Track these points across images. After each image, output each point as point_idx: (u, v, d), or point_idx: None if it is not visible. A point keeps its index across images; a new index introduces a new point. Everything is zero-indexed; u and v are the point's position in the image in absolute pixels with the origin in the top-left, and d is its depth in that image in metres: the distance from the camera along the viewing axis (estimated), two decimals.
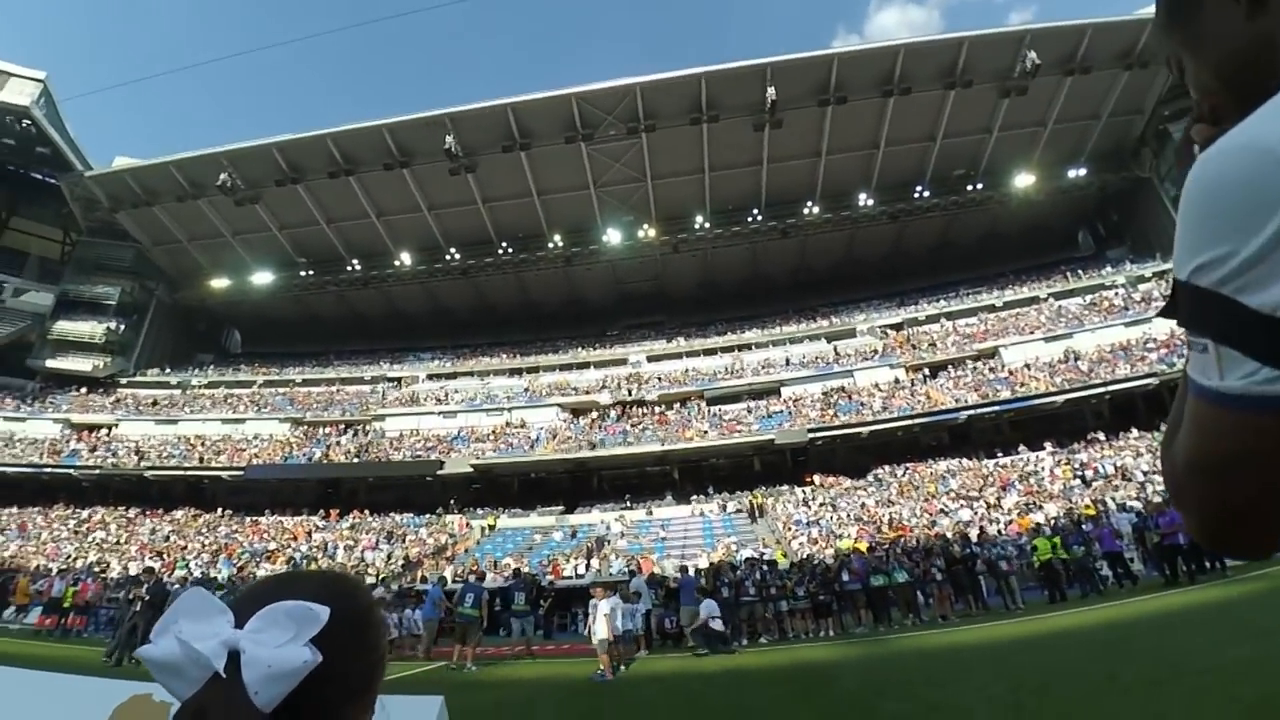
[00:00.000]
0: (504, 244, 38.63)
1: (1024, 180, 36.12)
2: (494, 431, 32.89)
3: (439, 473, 29.97)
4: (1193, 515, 0.53)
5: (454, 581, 20.85)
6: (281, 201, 36.55)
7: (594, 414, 33.46)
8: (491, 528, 27.96)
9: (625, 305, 43.23)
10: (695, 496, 29.04)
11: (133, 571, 21.89)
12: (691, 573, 16.74)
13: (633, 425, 31.79)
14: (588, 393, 35.11)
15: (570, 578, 21.00)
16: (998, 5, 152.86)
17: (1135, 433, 25.76)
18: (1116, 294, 33.69)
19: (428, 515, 29.43)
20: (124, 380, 38.98)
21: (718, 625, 12.58)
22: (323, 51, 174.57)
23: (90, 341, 38.36)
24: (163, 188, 36.03)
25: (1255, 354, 0.45)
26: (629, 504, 29.12)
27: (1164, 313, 0.54)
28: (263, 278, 40.26)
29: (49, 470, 31.28)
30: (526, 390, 36.55)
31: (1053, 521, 17.94)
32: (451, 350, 42.98)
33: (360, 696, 0.75)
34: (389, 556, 25.07)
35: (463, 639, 11.92)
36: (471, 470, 30.05)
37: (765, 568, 16.26)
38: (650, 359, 38.36)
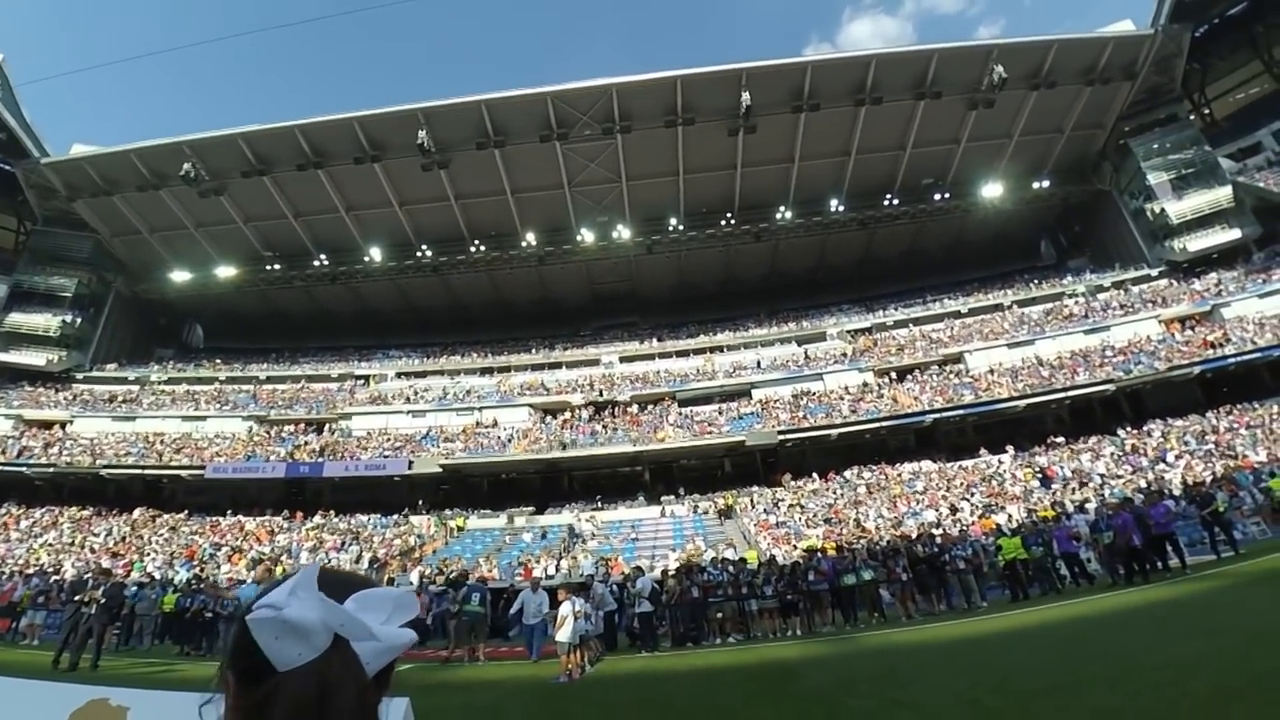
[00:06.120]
0: (476, 242, 38.31)
1: (990, 190, 37.00)
2: (464, 431, 32.58)
3: (407, 472, 29.57)
4: None
5: (422, 583, 20.62)
6: (247, 193, 35.74)
7: (566, 414, 33.36)
8: (460, 529, 27.68)
9: (598, 306, 43.20)
10: (666, 497, 29.11)
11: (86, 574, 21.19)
12: (656, 574, 16.87)
13: (604, 426, 31.76)
14: (559, 393, 34.97)
15: (540, 579, 20.87)
16: (968, 18, 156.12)
17: (1094, 437, 26.58)
18: (1076, 302, 34.71)
19: (395, 516, 29.04)
20: (80, 375, 37.67)
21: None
22: (292, 41, 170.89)
23: (44, 335, 36.93)
24: (123, 177, 34.97)
25: None
26: (600, 505, 29.07)
27: None
28: (227, 271, 39.32)
29: None
30: (498, 390, 36.28)
31: (1013, 523, 18.38)
32: (421, 348, 42.48)
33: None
34: (356, 558, 24.68)
35: (471, 635, 12.79)
36: (440, 470, 29.70)
37: (733, 567, 16.37)
38: (623, 360, 38.38)
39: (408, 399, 35.93)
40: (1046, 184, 37.50)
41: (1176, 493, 17.53)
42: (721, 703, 7.52)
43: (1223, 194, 32.62)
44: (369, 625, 0.72)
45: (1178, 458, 22.43)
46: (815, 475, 28.71)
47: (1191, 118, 35.82)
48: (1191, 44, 32.33)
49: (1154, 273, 34.51)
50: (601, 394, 34.14)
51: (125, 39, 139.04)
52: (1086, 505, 18.45)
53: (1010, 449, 27.20)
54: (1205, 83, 37.24)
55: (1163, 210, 33.57)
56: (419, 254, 38.72)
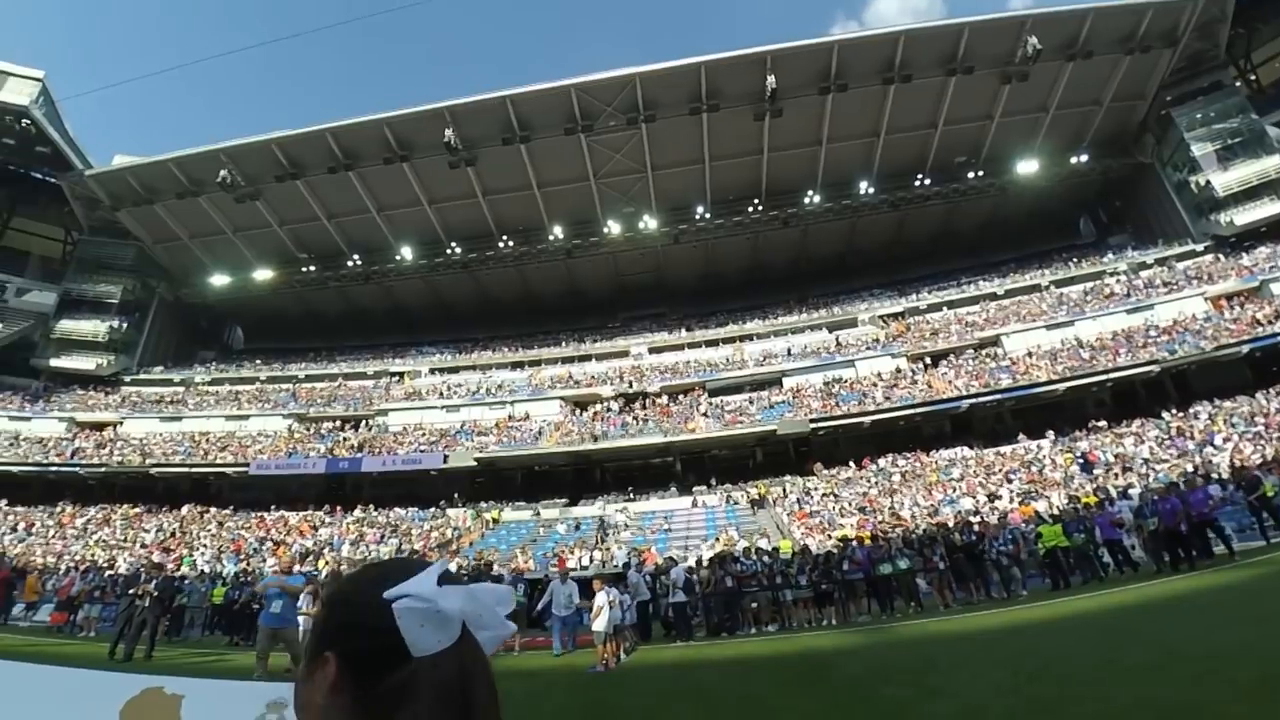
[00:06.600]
0: (504, 237, 38.58)
1: (1026, 167, 35.94)
2: (497, 425, 32.99)
3: (442, 466, 30.07)
4: None
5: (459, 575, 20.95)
6: (282, 197, 36.52)
7: (596, 406, 33.54)
8: (496, 521, 28.09)
9: (626, 297, 43.20)
10: (698, 488, 29.11)
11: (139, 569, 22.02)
12: (691, 563, 16.93)
13: (635, 417, 31.86)
14: (590, 385, 35.15)
15: (575, 570, 21.10)
16: None
17: (1137, 421, 25.79)
18: (1118, 281, 33.64)
19: (432, 509, 29.58)
20: (128, 378, 39.08)
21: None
22: (321, 46, 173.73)
23: (93, 340, 38.42)
24: (163, 185, 36.01)
25: None
26: (632, 496, 29.23)
27: None
28: (264, 274, 40.26)
29: (55, 469, 31.45)
30: (529, 383, 36.61)
31: (1054, 510, 17.99)
32: (453, 344, 43.04)
33: None
34: (396, 551, 25.21)
35: None
36: (475, 464, 30.14)
37: (767, 557, 16.35)
38: (652, 350, 38.40)
39: (441, 394, 36.51)
40: (1085, 158, 36.28)
41: (1225, 476, 16.95)
42: (756, 691, 7.55)
43: (1271, 164, 31.16)
44: (500, 615, 0.77)
45: (1225, 440, 21.63)
46: (849, 464, 28.42)
47: (1237, 85, 34.23)
48: (1236, 8, 30.86)
49: (1199, 248, 33.20)
50: (631, 385, 34.24)
51: (154, 50, 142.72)
52: (1130, 491, 17.97)
53: (1050, 434, 26.48)
54: (1251, 48, 35.55)
55: (1208, 182, 32.27)
56: (449, 251, 39.14)
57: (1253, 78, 36.01)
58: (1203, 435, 22.63)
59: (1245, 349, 25.48)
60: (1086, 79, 32.98)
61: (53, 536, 28.03)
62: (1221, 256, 32.18)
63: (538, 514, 28.52)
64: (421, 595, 0.71)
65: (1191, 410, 25.05)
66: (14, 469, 31.12)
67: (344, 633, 0.75)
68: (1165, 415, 25.35)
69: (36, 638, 15.20)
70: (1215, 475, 17.04)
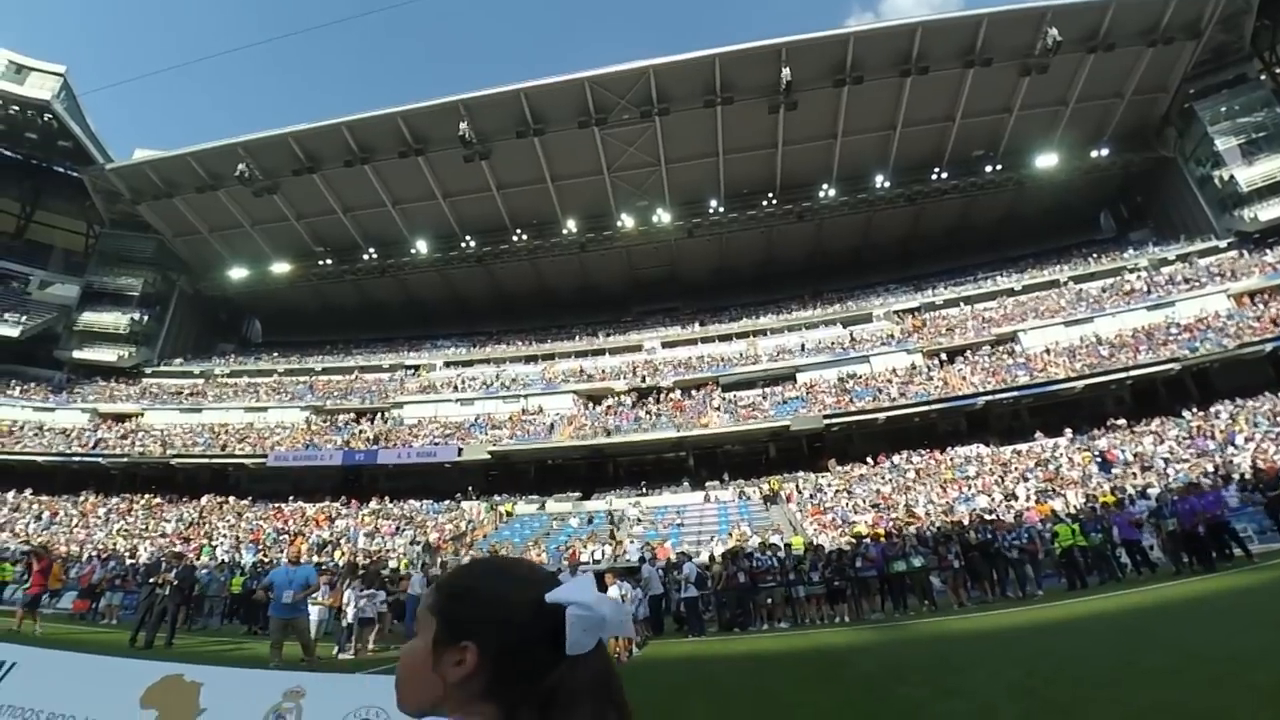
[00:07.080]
0: (519, 231, 38.69)
1: (1045, 161, 35.47)
2: (511, 418, 33.15)
3: (457, 459, 30.28)
4: None
5: None
6: (299, 191, 36.82)
7: (610, 400, 33.60)
8: (509, 514, 28.25)
9: (640, 291, 43.19)
10: (710, 483, 29.10)
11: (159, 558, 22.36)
12: (703, 558, 16.96)
13: (648, 412, 31.88)
14: (603, 379, 35.22)
15: (587, 563, 21.21)
16: None
17: (1157, 419, 25.44)
18: (1139, 277, 33.14)
19: (446, 502, 29.81)
20: (148, 370, 39.69)
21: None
22: (336, 39, 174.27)
23: (115, 332, 39.07)
24: (182, 179, 36.42)
25: None
26: (644, 490, 29.27)
27: None
28: (281, 267, 40.69)
29: (78, 459, 31.99)
30: (542, 377, 36.75)
31: (1071, 509, 17.82)
32: (468, 338, 43.27)
33: None
34: (411, 542, 25.45)
35: None
36: (489, 457, 30.31)
37: (781, 553, 16.33)
38: (665, 345, 38.37)
39: (456, 387, 36.72)
40: (1105, 152, 35.73)
41: (1246, 476, 16.70)
42: (769, 686, 7.56)
43: None
44: (630, 623, 0.87)
45: (1247, 440, 21.30)
46: (863, 460, 28.27)
47: (1262, 78, 33.44)
48: None
49: (1222, 244, 32.59)
50: (644, 380, 34.25)
51: (173, 45, 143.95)
52: (1149, 491, 17.76)
53: (1068, 432, 26.19)
54: (1276, 41, 34.61)
55: (1231, 177, 31.69)
56: (463, 244, 39.32)
57: (1278, 71, 35.21)
58: (1224, 435, 22.31)
59: (1269, 347, 25.01)
60: (1107, 71, 32.45)
61: (75, 525, 28.56)
62: (1245, 253, 31.59)
63: (543, 507, 28.68)
64: (587, 604, 0.81)
65: (1213, 409, 24.68)
66: (38, 459, 31.70)
67: (490, 629, 0.83)
68: (1186, 414, 25.00)
69: (59, 625, 15.48)
70: (1236, 475, 16.80)
